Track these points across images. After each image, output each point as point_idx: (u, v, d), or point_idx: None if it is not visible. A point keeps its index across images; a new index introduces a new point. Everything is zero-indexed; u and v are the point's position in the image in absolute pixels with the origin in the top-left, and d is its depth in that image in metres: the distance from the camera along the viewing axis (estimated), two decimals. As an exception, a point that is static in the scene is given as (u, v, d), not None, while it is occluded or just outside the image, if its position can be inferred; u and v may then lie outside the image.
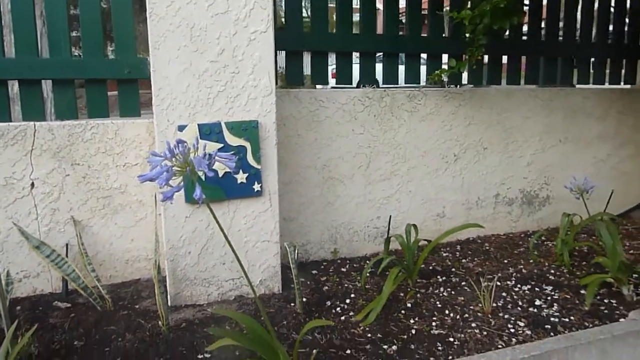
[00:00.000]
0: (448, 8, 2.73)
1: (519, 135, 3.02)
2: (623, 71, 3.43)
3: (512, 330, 1.89)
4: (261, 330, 1.55)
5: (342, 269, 2.55)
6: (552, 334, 1.85)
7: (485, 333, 1.88)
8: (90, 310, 2.10)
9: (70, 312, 2.10)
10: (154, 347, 1.81)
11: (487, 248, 2.83)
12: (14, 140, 2.14)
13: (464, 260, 2.64)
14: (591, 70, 3.34)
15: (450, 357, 1.70)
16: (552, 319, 1.98)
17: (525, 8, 2.99)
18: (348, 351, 1.77)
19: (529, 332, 1.87)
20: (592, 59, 3.33)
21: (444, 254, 2.74)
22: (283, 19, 2.60)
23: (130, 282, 2.38)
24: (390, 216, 2.73)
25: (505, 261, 2.62)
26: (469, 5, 2.53)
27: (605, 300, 2.13)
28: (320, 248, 2.69)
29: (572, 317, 1.99)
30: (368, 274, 2.43)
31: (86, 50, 2.29)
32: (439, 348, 1.78)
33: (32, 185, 2.20)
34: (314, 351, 1.75)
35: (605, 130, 3.26)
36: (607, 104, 3.23)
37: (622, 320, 1.95)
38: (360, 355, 1.75)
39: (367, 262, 2.57)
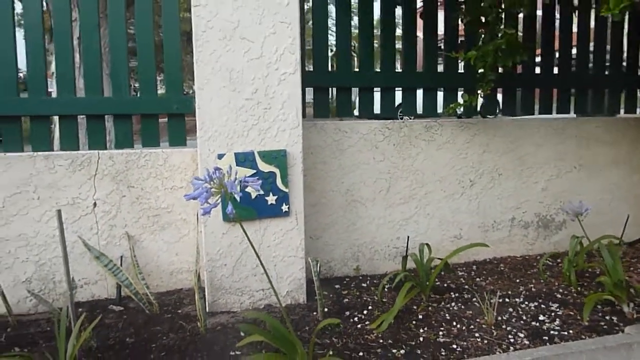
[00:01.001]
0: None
1: (532, 162, 3.20)
2: (638, 101, 3.57)
3: (512, 340, 2.08)
4: (284, 330, 1.81)
5: (363, 285, 2.79)
6: (548, 344, 2.03)
7: (486, 342, 2.07)
8: (139, 314, 2.42)
9: (123, 314, 2.43)
10: (193, 345, 2.10)
11: (502, 268, 3.01)
12: (81, 165, 2.53)
13: (477, 279, 2.83)
14: (605, 100, 3.49)
15: (448, 358, 1.91)
16: (551, 332, 2.16)
17: (537, 41, 3.21)
18: (361, 353, 2.01)
19: (527, 342, 2.06)
20: (606, 90, 3.49)
21: (460, 273, 2.94)
22: (312, 60, 2.92)
23: (174, 291, 2.70)
24: (408, 237, 2.96)
25: (517, 280, 2.79)
26: (480, 44, 2.78)
27: (607, 317, 2.28)
28: (343, 265, 2.94)
29: (571, 331, 2.16)
30: (386, 289, 2.66)
31: (142, 89, 2.68)
32: (442, 353, 1.99)
33: (95, 204, 2.57)
34: (330, 352, 2.00)
35: (620, 156, 3.40)
36: (622, 131, 3.37)
37: (617, 334, 2.10)
38: (371, 357, 1.98)
39: (388, 279, 2.80)
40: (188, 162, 2.64)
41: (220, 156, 2.32)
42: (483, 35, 2.72)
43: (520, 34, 3.13)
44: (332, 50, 3.07)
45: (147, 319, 2.37)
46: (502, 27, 2.51)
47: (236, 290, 2.45)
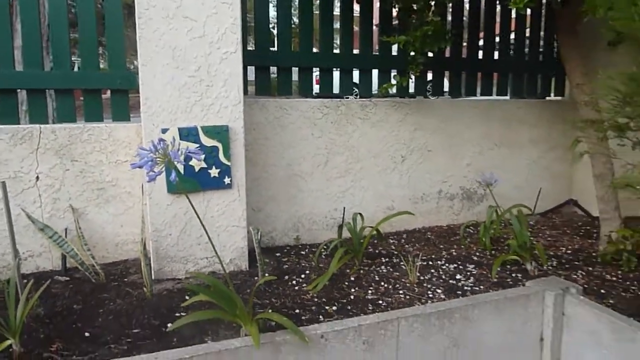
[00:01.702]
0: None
1: (459, 140, 3.50)
2: (553, 85, 3.93)
3: (431, 295, 2.35)
4: (226, 290, 1.98)
5: (302, 252, 2.99)
6: (460, 297, 2.31)
7: (408, 297, 2.33)
8: (86, 283, 2.51)
9: (69, 284, 2.51)
10: (140, 308, 2.23)
11: (429, 236, 3.30)
12: (23, 139, 2.55)
13: (406, 246, 3.10)
14: (525, 84, 3.83)
15: (375, 313, 2.14)
16: (465, 288, 2.45)
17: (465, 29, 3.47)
18: (297, 310, 2.21)
19: (443, 297, 2.34)
20: (526, 74, 3.83)
21: (391, 241, 3.20)
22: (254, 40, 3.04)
23: (120, 262, 2.79)
24: (345, 208, 3.18)
25: (442, 246, 3.09)
26: (411, 29, 2.99)
27: (513, 275, 2.60)
28: (284, 235, 3.13)
29: (481, 287, 2.46)
30: (323, 256, 2.88)
31: (84, 64, 2.72)
32: (369, 308, 2.23)
33: (37, 178, 2.61)
34: (269, 310, 2.19)
35: (537, 136, 3.76)
36: (539, 113, 3.73)
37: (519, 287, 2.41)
38: (306, 313, 2.19)
39: (325, 247, 3.01)
40: (132, 137, 2.72)
41: (164, 131, 2.43)
42: (414, 22, 2.93)
43: (449, 20, 3.39)
44: (273, 31, 3.19)
45: (94, 287, 2.46)
46: (429, 15, 2.73)
47: (181, 259, 2.58)
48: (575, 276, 2.59)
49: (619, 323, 2.00)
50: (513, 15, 3.69)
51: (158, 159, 1.53)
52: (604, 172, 2.86)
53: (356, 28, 3.24)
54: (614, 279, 2.55)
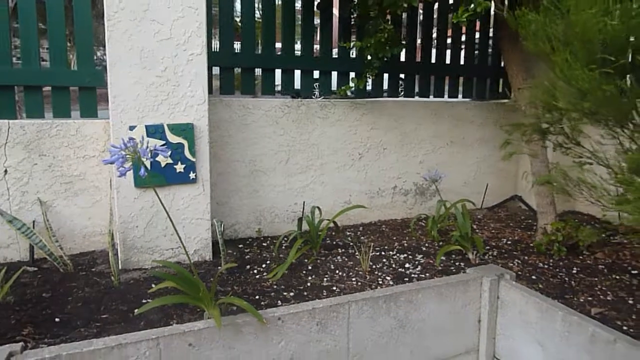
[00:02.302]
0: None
1: (412, 139, 3.73)
2: (500, 88, 4.23)
3: (381, 282, 2.57)
4: (190, 276, 2.14)
5: (264, 244, 3.17)
6: (407, 283, 2.54)
7: (360, 284, 2.55)
8: (54, 273, 2.62)
9: (37, 274, 2.61)
10: (108, 296, 2.36)
11: (384, 229, 3.53)
12: (-9, 134, 2.63)
13: (362, 238, 3.32)
14: (474, 87, 4.11)
15: (328, 297, 2.35)
16: (412, 275, 2.68)
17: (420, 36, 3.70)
18: (257, 296, 2.39)
19: (392, 283, 2.56)
20: (475, 78, 4.10)
21: (348, 233, 3.41)
22: (219, 41, 3.19)
23: (88, 253, 2.90)
24: (304, 202, 3.37)
25: (394, 238, 3.32)
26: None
27: (457, 263, 2.85)
28: (247, 228, 3.30)
29: (427, 274, 2.69)
30: (284, 247, 3.06)
31: (53, 62, 2.81)
32: (324, 293, 2.43)
33: (6, 171, 2.69)
34: (232, 297, 2.36)
35: (484, 135, 4.04)
36: (485, 114, 4.01)
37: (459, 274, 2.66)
38: (265, 298, 2.37)
39: (285, 238, 3.20)
40: (100, 133, 2.83)
41: (131, 128, 2.56)
42: (370, 28, 3.14)
43: (404, 28, 3.61)
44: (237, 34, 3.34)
45: (62, 277, 2.57)
46: (382, 23, 2.93)
47: (147, 250, 2.72)
48: (511, 264, 2.86)
49: (543, 304, 2.26)
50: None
51: (128, 156, 1.68)
52: (540, 170, 3.14)
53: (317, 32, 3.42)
54: (545, 266, 2.84)
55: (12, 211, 2.71)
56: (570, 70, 1.37)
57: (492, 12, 3.88)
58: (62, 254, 2.68)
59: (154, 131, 2.60)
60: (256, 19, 3.33)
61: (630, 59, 1.36)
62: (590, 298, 2.43)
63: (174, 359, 1.93)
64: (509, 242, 3.26)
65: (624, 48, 1.33)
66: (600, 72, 1.33)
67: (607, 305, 2.35)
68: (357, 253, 2.96)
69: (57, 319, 2.14)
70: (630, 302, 2.38)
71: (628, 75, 1.37)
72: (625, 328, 2.13)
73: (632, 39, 1.31)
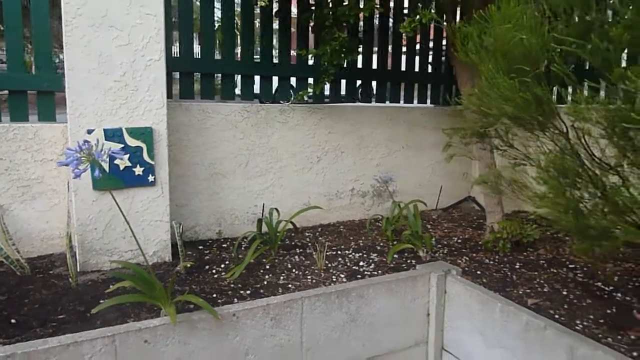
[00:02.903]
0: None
1: (369, 142, 3.88)
2: (454, 94, 4.42)
3: (335, 280, 2.69)
4: (147, 275, 2.20)
5: (224, 245, 3.24)
6: (359, 280, 2.66)
7: (315, 281, 2.65)
8: (11, 276, 2.62)
9: (-6, 277, 2.62)
10: (65, 297, 2.39)
11: (342, 230, 3.65)
12: (-55, 138, 2.63)
13: (320, 238, 3.43)
14: (428, 93, 4.30)
15: (281, 294, 2.44)
16: (365, 272, 2.80)
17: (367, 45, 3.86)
18: (214, 295, 2.47)
19: (345, 280, 2.68)
20: (430, 84, 4.29)
21: (307, 234, 3.52)
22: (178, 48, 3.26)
23: (46, 256, 2.91)
24: (264, 204, 3.46)
25: (351, 238, 3.44)
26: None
27: (408, 261, 2.99)
28: (207, 230, 3.36)
29: (380, 271, 2.82)
30: (243, 248, 3.14)
31: (10, 67, 2.82)
32: (280, 290, 2.53)
33: (-40, 175, 2.69)
34: (188, 294, 2.42)
35: (438, 140, 4.21)
36: (438, 119, 4.19)
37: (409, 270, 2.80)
38: (222, 297, 2.45)
39: (245, 239, 3.27)
40: (58, 137, 2.86)
41: (89, 131, 2.60)
42: (326, 37, 3.26)
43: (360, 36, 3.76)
44: (197, 39, 3.41)
45: (19, 279, 2.59)
46: (337, 31, 3.06)
47: (106, 252, 2.76)
48: (460, 261, 3.02)
49: (484, 296, 2.42)
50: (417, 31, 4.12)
51: (83, 158, 1.74)
52: (487, 172, 3.32)
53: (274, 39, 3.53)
54: (491, 262, 3.01)
55: (-33, 215, 2.71)
56: (494, 79, 1.51)
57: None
58: (19, 257, 2.69)
59: (113, 135, 2.65)
60: (216, 25, 3.41)
61: (544, 69, 1.52)
62: (528, 290, 2.60)
63: (130, 356, 1.99)
64: (460, 241, 3.43)
65: (539, 59, 1.49)
66: (519, 80, 1.48)
67: (542, 296, 2.52)
68: (314, 253, 3.07)
69: (12, 321, 2.17)
70: (564, 293, 2.56)
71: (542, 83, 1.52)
72: (557, 317, 2.30)
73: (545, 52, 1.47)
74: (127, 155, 2.68)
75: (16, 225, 2.83)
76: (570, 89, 1.66)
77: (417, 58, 4.21)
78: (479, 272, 2.85)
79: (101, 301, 2.33)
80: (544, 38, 1.42)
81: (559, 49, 1.41)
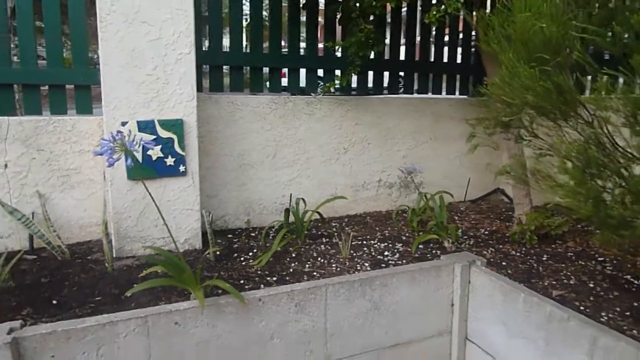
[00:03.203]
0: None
1: (396, 134, 3.89)
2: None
3: (359, 268, 2.73)
4: (177, 260, 2.30)
5: (252, 234, 3.33)
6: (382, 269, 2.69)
7: (339, 269, 2.71)
8: (52, 261, 2.78)
9: (37, 261, 2.78)
10: (102, 281, 2.53)
11: (368, 220, 3.69)
12: (-8, 130, 2.79)
13: (347, 228, 3.48)
14: (457, 84, 4.26)
15: (305, 280, 2.51)
16: (390, 262, 2.84)
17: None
18: (242, 281, 2.56)
19: (369, 269, 2.72)
20: (458, 75, 4.25)
21: (334, 224, 3.57)
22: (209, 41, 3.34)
23: (84, 242, 3.07)
24: (291, 194, 3.53)
25: (377, 228, 3.48)
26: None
27: (433, 251, 3.01)
28: (236, 219, 3.46)
29: (404, 261, 2.85)
30: (270, 237, 3.22)
31: (50, 62, 2.97)
32: (305, 278, 2.59)
33: (6, 166, 2.85)
34: (216, 279, 2.52)
35: (466, 131, 4.18)
36: (466, 110, 4.15)
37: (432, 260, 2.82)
38: (249, 283, 2.53)
39: (272, 229, 3.35)
40: (94, 129, 2.99)
41: (123, 123, 2.72)
42: (353, 28, 3.29)
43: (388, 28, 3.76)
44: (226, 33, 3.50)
45: (60, 264, 2.74)
46: (363, 23, 3.08)
47: (140, 239, 2.88)
48: (485, 252, 3.01)
49: (507, 287, 2.42)
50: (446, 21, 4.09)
51: (116, 148, 1.84)
52: (511, 163, 3.29)
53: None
54: (517, 254, 2.99)
55: (12, 203, 2.87)
56: (514, 68, 1.52)
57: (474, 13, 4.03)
58: (60, 243, 2.84)
59: (145, 126, 2.76)
60: (244, 19, 3.48)
61: (566, 58, 1.51)
62: (554, 282, 2.58)
63: (161, 336, 2.09)
64: (486, 233, 3.42)
65: (560, 48, 1.48)
66: (539, 69, 1.48)
67: (568, 288, 2.50)
68: (339, 242, 3.12)
69: (54, 301, 2.30)
70: (591, 285, 2.53)
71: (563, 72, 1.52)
72: (582, 308, 2.28)
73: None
74: (159, 147, 2.79)
75: (56, 213, 2.99)
76: (589, 78, 1.64)
77: (445, 49, 4.18)
78: (504, 264, 2.84)
79: (134, 285, 2.46)
80: (564, 26, 1.41)
81: (580, 37, 1.40)
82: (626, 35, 1.29)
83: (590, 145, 1.73)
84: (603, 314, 2.23)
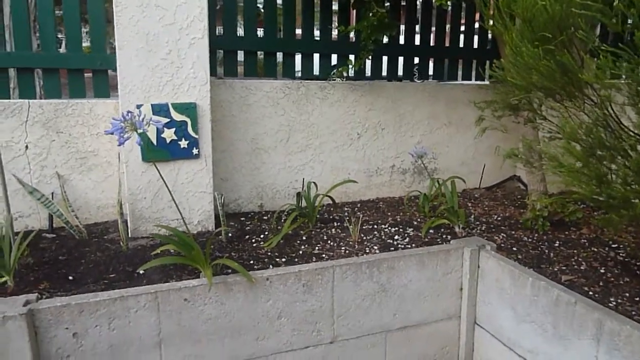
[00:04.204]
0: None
1: (410, 120, 3.87)
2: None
3: (368, 251, 2.75)
4: (187, 239, 2.35)
5: (265, 218, 3.37)
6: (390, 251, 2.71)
7: (348, 252, 2.73)
8: (70, 240, 2.87)
9: (55, 240, 2.87)
10: (116, 259, 2.60)
11: (380, 206, 3.69)
12: (13, 113, 2.88)
13: (358, 213, 3.49)
14: (473, 69, 4.21)
15: (314, 262, 2.54)
16: (399, 245, 2.85)
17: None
18: (252, 262, 2.60)
19: (378, 252, 2.73)
20: (474, 60, 4.20)
21: (346, 209, 3.59)
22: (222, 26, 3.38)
23: (101, 223, 3.15)
24: (304, 179, 3.55)
25: (389, 213, 3.48)
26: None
27: (443, 236, 3.01)
28: (249, 202, 3.50)
29: (413, 245, 2.86)
30: (282, 220, 3.25)
31: (69, 47, 3.04)
32: (313, 259, 2.62)
33: (26, 147, 2.95)
34: (225, 259, 2.57)
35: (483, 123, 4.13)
36: (482, 96, 4.10)
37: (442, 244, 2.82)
38: (258, 263, 2.58)
39: (284, 212, 3.39)
40: (111, 112, 3.06)
41: (138, 106, 2.77)
42: (366, 12, 3.28)
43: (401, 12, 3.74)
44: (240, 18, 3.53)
45: (77, 243, 2.83)
46: (375, 6, 3.07)
47: (154, 220, 2.95)
48: (496, 237, 3.00)
49: (516, 271, 2.41)
50: (463, 5, 4.04)
51: (127, 127, 1.89)
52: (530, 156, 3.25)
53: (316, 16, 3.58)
54: (529, 240, 2.97)
55: (32, 183, 2.97)
56: (518, 47, 1.50)
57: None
58: (78, 223, 2.93)
59: (160, 109, 2.82)
60: (258, 4, 3.50)
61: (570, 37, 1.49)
62: (564, 267, 2.56)
63: (171, 312, 2.16)
64: (499, 219, 3.39)
65: (563, 26, 1.46)
66: (543, 48, 1.47)
67: (578, 273, 2.48)
68: (351, 226, 3.14)
69: (70, 277, 2.39)
70: (602, 271, 2.50)
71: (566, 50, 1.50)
72: (590, 293, 2.26)
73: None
74: (173, 129, 2.85)
75: (75, 194, 3.08)
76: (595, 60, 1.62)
77: (461, 34, 4.13)
78: (514, 249, 2.83)
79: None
80: (568, 4, 1.39)
81: (583, 14, 1.38)
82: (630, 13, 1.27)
83: (598, 127, 1.71)
84: (612, 299, 2.20)
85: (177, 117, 2.86)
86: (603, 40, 1.44)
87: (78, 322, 2.02)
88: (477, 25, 4.18)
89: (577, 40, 1.47)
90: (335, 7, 3.67)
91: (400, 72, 3.98)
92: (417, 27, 3.95)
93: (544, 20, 1.43)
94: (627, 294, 2.24)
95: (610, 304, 2.15)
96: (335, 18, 3.73)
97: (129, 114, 1.88)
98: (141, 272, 2.42)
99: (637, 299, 2.19)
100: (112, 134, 1.87)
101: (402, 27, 3.79)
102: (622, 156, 1.50)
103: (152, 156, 2.81)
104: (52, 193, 3.01)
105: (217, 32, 3.43)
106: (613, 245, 2.85)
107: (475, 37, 4.21)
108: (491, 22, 1.80)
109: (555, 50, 1.45)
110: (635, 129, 1.49)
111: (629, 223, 2.97)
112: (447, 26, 4.07)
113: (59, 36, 4.30)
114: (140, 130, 1.90)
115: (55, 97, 3.05)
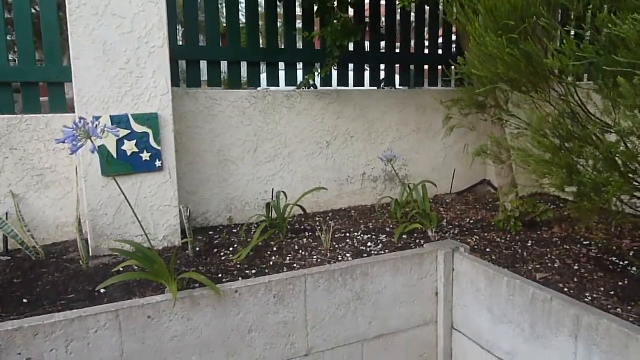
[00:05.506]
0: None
1: (379, 127, 3.85)
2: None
3: (340, 259, 2.68)
4: (150, 253, 2.24)
5: (234, 231, 3.27)
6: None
7: (320, 261, 2.65)
8: (26, 261, 2.71)
9: (10, 262, 2.70)
10: (76, 279, 2.46)
11: (353, 214, 3.63)
12: (-38, 130, 2.73)
13: (331, 222, 3.42)
14: (439, 75, 4.24)
15: (285, 272, 2.45)
16: (372, 252, 2.78)
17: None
18: (220, 275, 2.49)
19: (351, 259, 2.66)
20: (442, 66, 4.23)
21: (317, 219, 3.51)
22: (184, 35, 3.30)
23: (60, 243, 3.00)
24: (273, 189, 3.47)
25: (361, 221, 3.42)
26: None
27: (417, 240, 2.96)
28: (218, 216, 3.40)
29: (386, 251, 2.80)
30: (252, 232, 3.16)
31: (21, 60, 2.91)
32: (285, 270, 2.53)
33: (-22, 165, 2.79)
34: (192, 272, 2.46)
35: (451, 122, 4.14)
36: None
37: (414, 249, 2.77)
38: (227, 276, 2.47)
39: (254, 224, 3.29)
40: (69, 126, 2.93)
41: (96, 118, 2.66)
42: (330, 18, 3.26)
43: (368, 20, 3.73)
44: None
45: (34, 264, 2.66)
46: (339, 12, 3.05)
47: (117, 236, 2.81)
48: (470, 240, 2.97)
49: (490, 272, 2.37)
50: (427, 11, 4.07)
51: (79, 136, 1.78)
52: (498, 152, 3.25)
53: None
54: (502, 241, 2.95)
55: (-15, 204, 2.80)
56: (481, 37, 1.48)
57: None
58: (35, 244, 2.77)
59: (119, 121, 2.71)
60: (220, 14, 3.44)
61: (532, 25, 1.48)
62: (538, 266, 2.54)
63: (134, 331, 2.03)
64: (472, 222, 3.38)
65: (526, 14, 1.45)
66: (506, 37, 1.45)
67: (552, 271, 2.46)
68: (323, 235, 3.06)
69: (25, 300, 2.24)
70: (575, 268, 2.49)
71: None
72: (565, 290, 2.24)
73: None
74: (134, 141, 2.74)
75: (32, 213, 2.92)
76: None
77: (426, 40, 4.16)
78: (488, 250, 2.80)
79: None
80: (529, -7, 1.39)
81: (544, 1, 1.37)
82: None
83: (566, 119, 1.69)
84: (587, 294, 2.18)
85: (138, 128, 2.75)
86: (565, 27, 1.43)
87: (32, 346, 1.88)
88: (441, 32, 4.22)
89: (540, 29, 1.47)
90: (299, 12, 3.65)
91: (367, 80, 3.96)
92: (382, 33, 3.96)
93: (507, 10, 1.42)
94: (602, 289, 2.22)
95: (586, 299, 2.12)
96: (300, 26, 3.71)
97: (82, 121, 1.78)
98: (102, 290, 2.29)
99: (612, 293, 2.18)
100: (64, 142, 1.76)
101: (367, 35, 3.79)
102: (591, 144, 1.49)
103: (113, 170, 2.69)
104: (7, 213, 2.85)
105: (178, 41, 3.35)
106: (585, 243, 2.85)
107: (440, 42, 4.24)
108: (454, 17, 1.79)
109: (519, 39, 1.44)
110: (602, 116, 1.48)
111: (598, 220, 3.00)
112: (412, 33, 4.09)
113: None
114: (93, 137, 1.80)
115: (7, 112, 2.91)
